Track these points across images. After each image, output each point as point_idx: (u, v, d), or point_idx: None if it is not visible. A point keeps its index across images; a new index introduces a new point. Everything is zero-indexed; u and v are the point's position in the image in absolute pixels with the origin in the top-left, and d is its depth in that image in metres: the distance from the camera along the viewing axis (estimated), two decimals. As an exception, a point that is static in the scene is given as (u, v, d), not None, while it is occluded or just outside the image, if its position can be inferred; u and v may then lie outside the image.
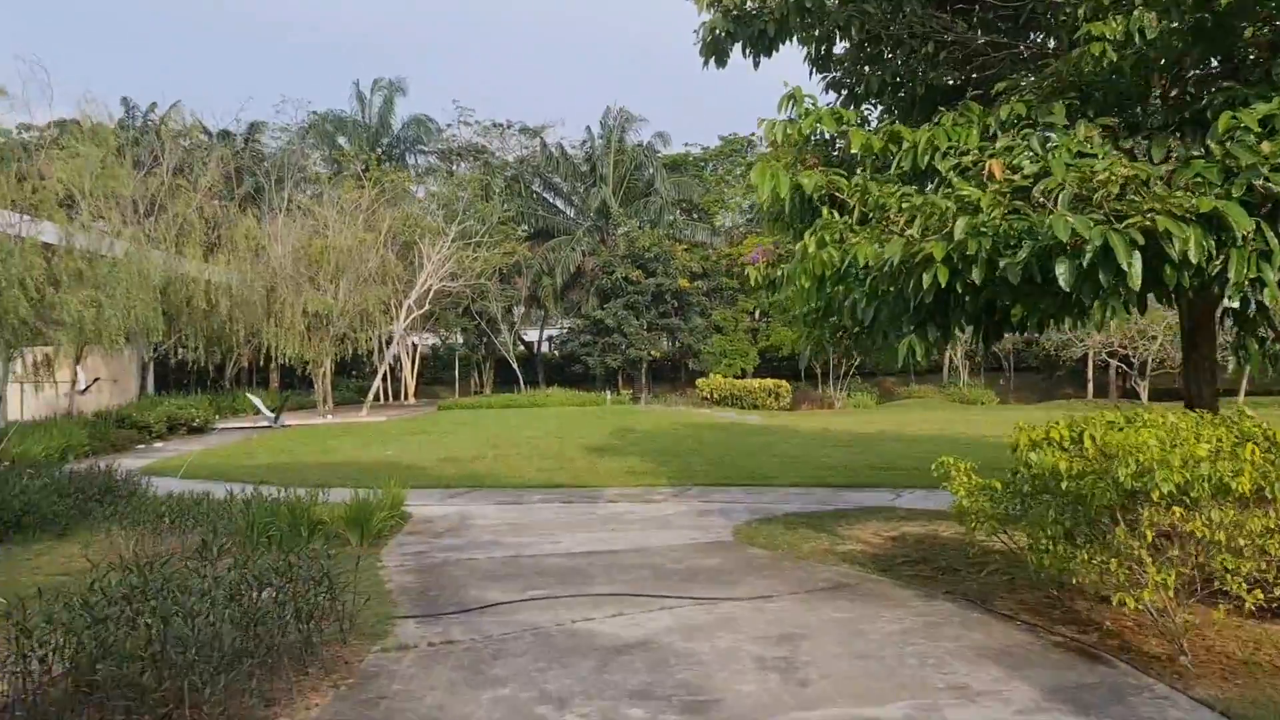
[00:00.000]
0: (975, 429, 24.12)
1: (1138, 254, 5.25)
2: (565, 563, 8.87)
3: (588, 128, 52.77)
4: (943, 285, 5.96)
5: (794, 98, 8.07)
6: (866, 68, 9.48)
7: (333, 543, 9.67)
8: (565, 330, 52.19)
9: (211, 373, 40.68)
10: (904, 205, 6.81)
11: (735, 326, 48.34)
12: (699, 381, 43.85)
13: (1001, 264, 5.77)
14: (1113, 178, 5.52)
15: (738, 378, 45.48)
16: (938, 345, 6.83)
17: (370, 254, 34.14)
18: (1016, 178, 6.12)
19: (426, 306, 38.85)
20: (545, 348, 55.46)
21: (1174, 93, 6.89)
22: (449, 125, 53.14)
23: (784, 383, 43.86)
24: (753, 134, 55.03)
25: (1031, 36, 8.80)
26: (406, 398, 44.75)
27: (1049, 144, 6.33)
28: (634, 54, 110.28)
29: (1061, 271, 5.43)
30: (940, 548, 9.11)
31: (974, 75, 8.90)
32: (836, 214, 7.84)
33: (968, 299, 6.37)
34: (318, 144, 50.24)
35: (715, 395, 42.25)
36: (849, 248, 6.93)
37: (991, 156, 6.37)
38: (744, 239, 51.50)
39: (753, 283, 10.45)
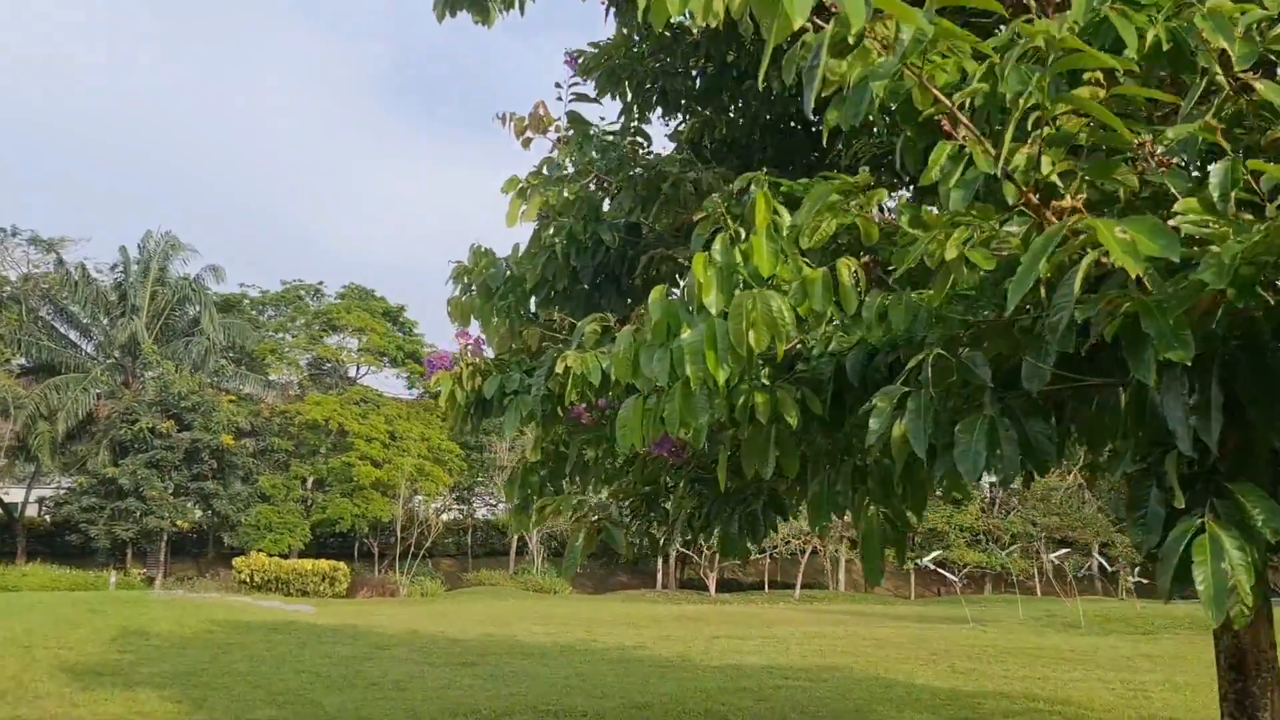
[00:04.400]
0: (599, 633, 19.86)
1: None
2: None
3: (122, 249, 44.11)
4: None
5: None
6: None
7: None
8: (64, 490, 41.44)
9: None
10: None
11: (286, 495, 41.08)
12: (237, 561, 35.98)
13: None
14: None
15: (283, 556, 38.16)
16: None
17: None
18: None
19: None
20: (33, 511, 43.80)
21: None
22: (-79, 228, 41.71)
23: (342, 565, 37.37)
24: (320, 282, 49.31)
25: None
26: None
27: None
28: (185, 180, 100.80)
29: None
30: None
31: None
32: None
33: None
34: None
35: (257, 578, 34.72)
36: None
37: None
38: (304, 395, 44.99)
39: (444, 405, 5.39)
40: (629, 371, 3.60)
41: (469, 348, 5.54)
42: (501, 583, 43.18)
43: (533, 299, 5.90)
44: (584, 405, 5.59)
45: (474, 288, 5.90)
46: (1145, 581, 31.66)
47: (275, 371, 47.71)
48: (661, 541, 4.98)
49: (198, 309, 44.54)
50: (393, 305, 49.75)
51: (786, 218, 3.25)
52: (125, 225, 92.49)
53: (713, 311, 3.21)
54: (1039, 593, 39.02)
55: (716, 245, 3.33)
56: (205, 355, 42.86)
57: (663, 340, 3.47)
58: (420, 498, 44.96)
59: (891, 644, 18.19)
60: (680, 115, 6.58)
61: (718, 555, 44.51)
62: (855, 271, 3.19)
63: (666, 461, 4.77)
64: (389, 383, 72.76)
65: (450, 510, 51.42)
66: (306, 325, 48.19)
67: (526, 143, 5.38)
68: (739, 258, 3.32)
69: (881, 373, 3.42)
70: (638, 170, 5.09)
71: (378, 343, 46.60)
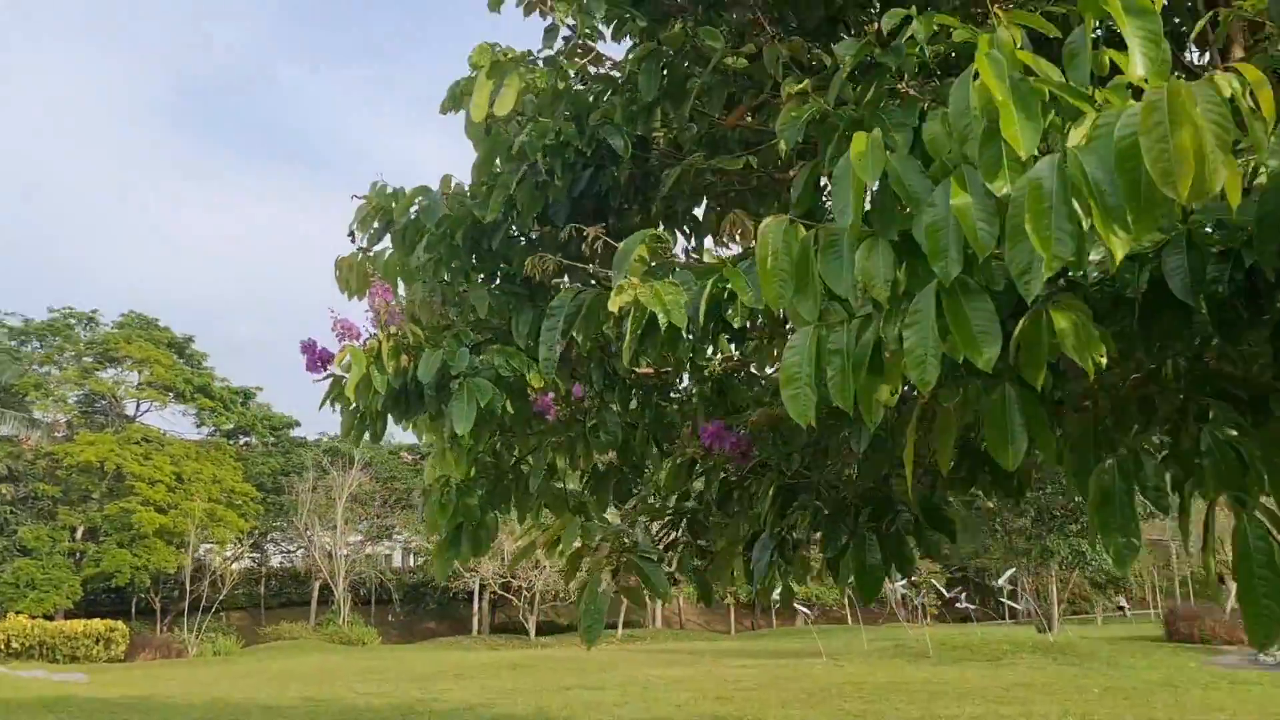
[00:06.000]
0: (435, 690, 17.76)
1: None
2: None
3: None
4: None
5: None
6: None
7: None
8: None
9: None
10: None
11: (51, 548, 36.45)
12: (-10, 624, 31.39)
13: None
14: None
15: (48, 617, 33.71)
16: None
17: None
18: None
19: None
20: None
21: None
22: None
23: (119, 624, 33.40)
24: (95, 310, 44.33)
25: None
26: None
27: None
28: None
29: None
30: None
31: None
32: None
33: None
34: None
35: (15, 643, 30.53)
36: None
37: None
38: (74, 435, 40.22)
39: (351, 395, 3.69)
40: (786, 289, 2.06)
41: (388, 310, 3.85)
42: (304, 635, 39.91)
43: (453, 259, 4.23)
44: (550, 395, 4.02)
45: (387, 237, 4.21)
46: (973, 606, 32.00)
47: (40, 409, 42.53)
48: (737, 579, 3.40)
49: (-56, 338, 39.31)
50: (179, 336, 45.56)
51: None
52: None
53: (1021, 154, 1.74)
54: (849, 621, 39.30)
55: (989, 51, 1.86)
56: (-46, 390, 37.72)
57: (860, 231, 1.96)
58: (208, 545, 40.98)
59: (759, 685, 16.99)
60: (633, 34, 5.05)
61: (537, 598, 42.49)
62: (1250, 93, 1.81)
63: (729, 459, 3.22)
64: (175, 420, 67.12)
65: (243, 558, 47.33)
66: (77, 357, 43.29)
67: (530, 7, 3.74)
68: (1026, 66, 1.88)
69: (1233, 284, 2.04)
70: (660, 48, 3.55)
71: (163, 376, 42.38)
